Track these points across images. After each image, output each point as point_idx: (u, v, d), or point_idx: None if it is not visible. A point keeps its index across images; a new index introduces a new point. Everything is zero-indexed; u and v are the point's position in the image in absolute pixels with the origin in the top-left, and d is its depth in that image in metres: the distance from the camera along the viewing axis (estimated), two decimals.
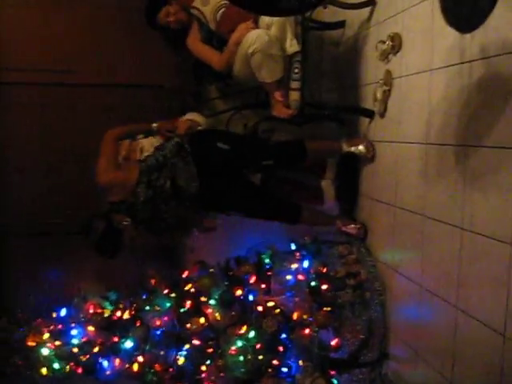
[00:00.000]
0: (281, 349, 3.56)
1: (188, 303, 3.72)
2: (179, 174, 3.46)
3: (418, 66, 3.11)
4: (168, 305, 3.73)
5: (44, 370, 3.64)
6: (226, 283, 3.76)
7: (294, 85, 3.80)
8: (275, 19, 3.67)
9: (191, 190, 3.46)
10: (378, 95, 3.52)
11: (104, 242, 3.47)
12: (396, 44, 3.33)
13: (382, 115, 3.56)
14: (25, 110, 4.27)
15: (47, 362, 3.64)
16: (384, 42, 3.43)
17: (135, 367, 3.59)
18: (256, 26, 3.76)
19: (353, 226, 3.89)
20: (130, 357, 3.62)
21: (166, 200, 3.45)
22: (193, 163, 3.48)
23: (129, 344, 3.64)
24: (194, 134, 3.72)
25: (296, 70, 3.75)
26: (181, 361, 3.60)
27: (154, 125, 3.83)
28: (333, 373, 3.50)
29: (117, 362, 3.63)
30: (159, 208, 3.46)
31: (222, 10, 3.85)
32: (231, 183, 3.60)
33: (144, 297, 3.84)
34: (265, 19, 3.73)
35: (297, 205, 3.81)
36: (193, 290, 3.79)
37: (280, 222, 3.83)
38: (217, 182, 3.56)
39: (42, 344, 3.68)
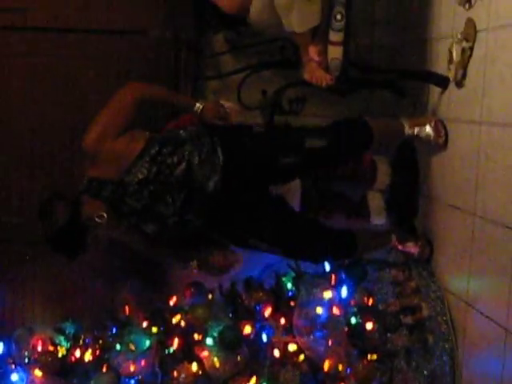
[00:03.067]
0: None
1: (175, 342, 3.74)
2: (199, 160, 3.47)
3: None
4: (147, 343, 3.75)
5: None
6: (230, 316, 3.81)
7: (336, 37, 3.73)
8: None
9: (206, 188, 3.46)
10: (455, 55, 3.55)
11: (63, 237, 3.45)
12: None
13: (460, 84, 3.58)
14: None
15: None
16: None
17: None
18: None
19: (413, 242, 3.93)
20: None
21: (172, 189, 3.45)
22: (221, 152, 3.52)
23: None
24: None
25: (338, 17, 3.68)
26: None
27: (198, 105, 3.71)
28: None
29: None
30: (160, 198, 3.46)
31: None
32: (264, 197, 3.70)
33: (113, 331, 3.87)
34: None
35: (349, 233, 3.88)
36: (183, 323, 3.82)
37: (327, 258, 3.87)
38: (241, 191, 3.59)
39: None
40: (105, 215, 3.41)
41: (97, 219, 3.41)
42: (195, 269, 3.76)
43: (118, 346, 3.75)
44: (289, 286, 3.89)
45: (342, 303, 3.74)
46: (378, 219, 4.31)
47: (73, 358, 3.80)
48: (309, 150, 3.68)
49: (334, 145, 3.71)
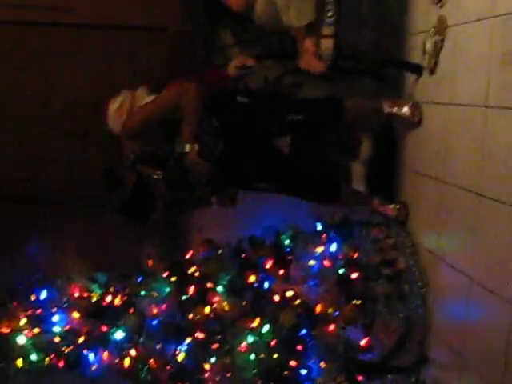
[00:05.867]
0: (300, 347, 3.64)
1: (191, 289, 3.79)
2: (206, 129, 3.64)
3: (478, 11, 3.08)
4: (167, 290, 3.78)
5: (19, 362, 3.70)
6: (237, 267, 3.83)
7: (327, 31, 3.84)
8: None
9: (216, 151, 3.63)
10: (428, 47, 3.58)
11: (137, 199, 3.64)
12: None
13: (432, 71, 3.61)
14: (9, 56, 4.37)
15: (23, 352, 3.70)
16: None
17: (126, 362, 3.67)
18: None
19: (392, 206, 4.00)
20: (120, 350, 3.70)
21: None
22: (216, 122, 3.67)
23: (119, 335, 3.71)
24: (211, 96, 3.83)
25: (330, 13, 3.79)
26: (181, 357, 3.67)
27: None
28: (360, 378, 3.60)
29: (105, 355, 3.71)
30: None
31: None
32: (256, 147, 3.78)
33: (139, 280, 3.88)
34: None
35: (336, 179, 3.99)
36: (197, 273, 3.85)
37: (312, 201, 3.96)
38: (240, 147, 3.74)
39: (17, 331, 3.73)
40: (160, 172, 3.55)
41: (155, 176, 3.59)
42: (215, 203, 3.91)
43: (142, 293, 3.78)
44: (287, 242, 3.93)
45: (332, 257, 3.81)
46: (358, 186, 4.33)
47: (104, 303, 3.82)
48: (291, 122, 3.82)
49: (308, 117, 3.85)
